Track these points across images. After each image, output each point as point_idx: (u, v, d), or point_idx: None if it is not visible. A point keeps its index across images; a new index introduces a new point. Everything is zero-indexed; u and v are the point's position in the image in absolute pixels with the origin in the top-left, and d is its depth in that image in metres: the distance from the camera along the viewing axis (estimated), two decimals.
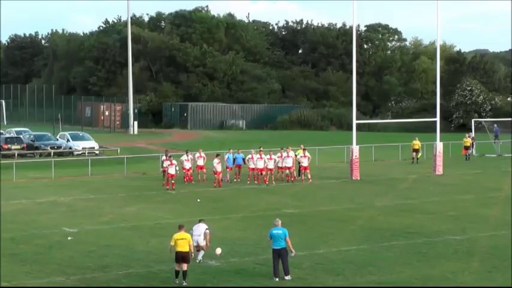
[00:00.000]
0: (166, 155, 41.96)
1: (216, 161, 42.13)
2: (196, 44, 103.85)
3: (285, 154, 44.04)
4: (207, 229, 24.23)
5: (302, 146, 45.64)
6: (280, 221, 22.64)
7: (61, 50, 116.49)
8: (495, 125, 68.89)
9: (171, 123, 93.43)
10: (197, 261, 23.76)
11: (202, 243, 24.03)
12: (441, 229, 29.60)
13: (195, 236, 23.97)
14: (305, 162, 44.02)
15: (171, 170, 40.42)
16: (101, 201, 36.95)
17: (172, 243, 22.01)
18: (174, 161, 41.06)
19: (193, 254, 22.26)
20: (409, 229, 29.57)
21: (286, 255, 22.19)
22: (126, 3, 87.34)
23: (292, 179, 43.92)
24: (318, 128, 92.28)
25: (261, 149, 44.42)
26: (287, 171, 44.07)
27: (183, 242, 21.87)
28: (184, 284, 21.59)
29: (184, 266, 21.79)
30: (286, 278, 22.07)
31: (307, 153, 44.43)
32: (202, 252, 24.10)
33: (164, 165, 41.44)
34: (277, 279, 21.99)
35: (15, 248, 26.32)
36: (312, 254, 25.13)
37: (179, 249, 21.82)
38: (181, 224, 22.65)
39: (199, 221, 24.57)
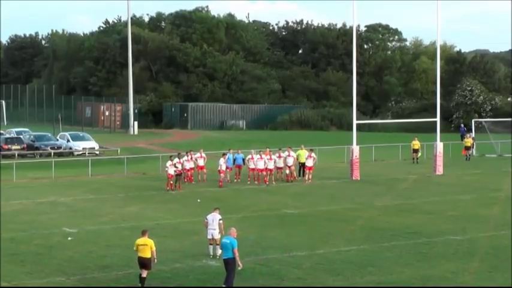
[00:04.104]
0: (179, 158, 41.38)
1: (222, 160, 42.52)
2: (197, 44, 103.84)
3: (286, 154, 44.08)
4: (220, 219, 24.44)
5: (302, 147, 45.70)
6: (234, 230, 21.39)
7: (61, 50, 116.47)
8: (461, 125, 68.47)
9: (171, 123, 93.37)
10: (216, 256, 23.98)
11: (217, 236, 24.23)
12: (441, 229, 29.58)
13: (210, 229, 24.33)
14: (310, 163, 44.05)
15: (171, 171, 40.30)
16: (101, 202, 36.93)
17: (134, 248, 21.54)
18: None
19: (155, 260, 21.49)
20: (409, 229, 29.55)
21: (233, 268, 20.86)
22: (126, 3, 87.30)
23: (292, 178, 43.94)
24: (318, 128, 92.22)
25: (267, 149, 44.66)
26: (287, 170, 44.08)
27: (144, 248, 21.21)
28: None
29: (144, 273, 21.14)
30: None
31: (313, 154, 44.48)
32: (218, 248, 24.17)
33: (178, 167, 40.80)
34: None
35: (15, 248, 26.29)
36: (312, 254, 25.10)
37: (140, 254, 21.23)
38: (145, 229, 21.97)
39: (214, 209, 24.76)
